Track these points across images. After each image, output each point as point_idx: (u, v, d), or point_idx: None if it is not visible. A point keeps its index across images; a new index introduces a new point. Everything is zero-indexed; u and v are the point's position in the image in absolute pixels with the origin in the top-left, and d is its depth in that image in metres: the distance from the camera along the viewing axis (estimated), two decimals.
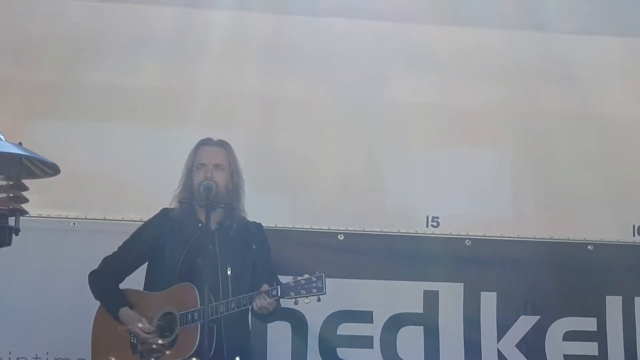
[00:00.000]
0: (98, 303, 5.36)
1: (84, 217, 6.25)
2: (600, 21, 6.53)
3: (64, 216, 6.24)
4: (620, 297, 6.55)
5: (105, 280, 5.36)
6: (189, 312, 5.06)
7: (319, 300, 5.02)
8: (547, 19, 6.51)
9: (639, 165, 6.73)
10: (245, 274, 5.25)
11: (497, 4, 6.46)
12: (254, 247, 5.35)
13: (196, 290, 5.05)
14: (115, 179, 6.22)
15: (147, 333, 5.13)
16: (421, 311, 6.42)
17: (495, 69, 6.70)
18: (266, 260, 5.43)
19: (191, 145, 5.53)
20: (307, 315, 6.15)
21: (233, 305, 5.03)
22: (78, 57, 6.38)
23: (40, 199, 5.92)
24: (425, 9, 6.44)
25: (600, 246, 6.61)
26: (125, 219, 6.16)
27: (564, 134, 6.71)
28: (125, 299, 5.29)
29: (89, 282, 5.38)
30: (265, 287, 5.05)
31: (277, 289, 5.02)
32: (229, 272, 5.16)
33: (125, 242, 5.46)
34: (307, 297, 4.98)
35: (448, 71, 6.65)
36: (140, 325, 5.14)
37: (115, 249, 5.45)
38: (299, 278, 5.01)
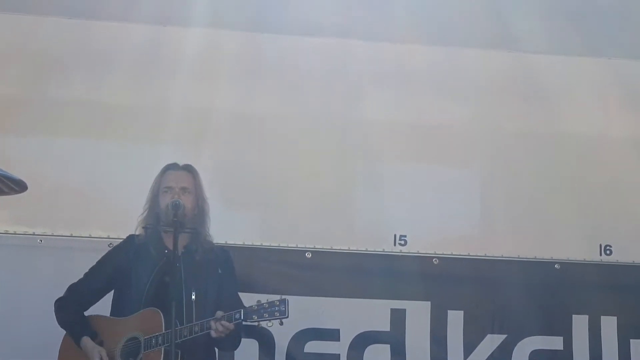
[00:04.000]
0: None
1: (50, 234, 6.20)
2: (571, 41, 6.57)
3: (31, 233, 6.18)
4: (587, 316, 6.55)
5: (69, 308, 5.33)
6: (152, 336, 5.03)
7: (281, 324, 5.00)
8: (518, 38, 6.54)
9: (606, 184, 6.74)
10: (210, 299, 5.21)
11: (468, 24, 6.49)
12: (219, 271, 5.33)
13: (161, 315, 5.03)
14: (82, 196, 6.19)
15: None
16: (388, 329, 6.40)
17: (465, 88, 6.73)
18: (231, 285, 5.40)
19: (159, 162, 5.51)
20: (274, 334, 6.10)
21: (197, 329, 4.99)
22: (46, 73, 6.38)
23: (6, 216, 5.93)
24: (395, 27, 6.47)
25: (567, 265, 6.60)
26: (92, 235, 6.15)
27: (532, 154, 6.74)
28: (88, 326, 5.26)
29: (54, 310, 5.34)
30: (220, 313, 5.02)
31: (240, 312, 5.00)
32: (193, 297, 5.13)
33: (91, 269, 5.43)
34: (270, 320, 4.96)
35: (418, 90, 6.67)
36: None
37: (81, 275, 5.40)
38: (263, 302, 4.99)
